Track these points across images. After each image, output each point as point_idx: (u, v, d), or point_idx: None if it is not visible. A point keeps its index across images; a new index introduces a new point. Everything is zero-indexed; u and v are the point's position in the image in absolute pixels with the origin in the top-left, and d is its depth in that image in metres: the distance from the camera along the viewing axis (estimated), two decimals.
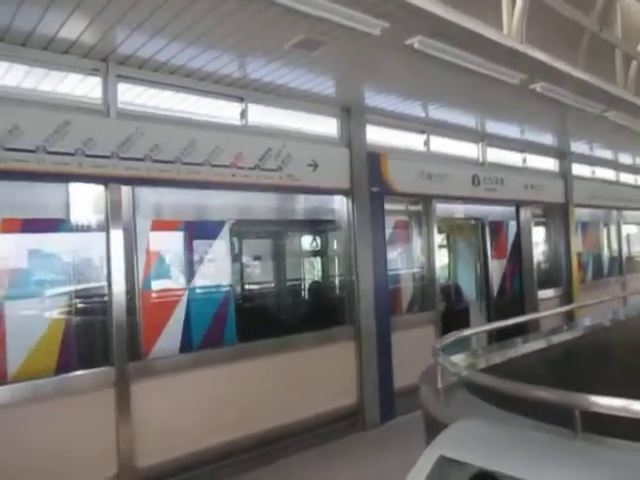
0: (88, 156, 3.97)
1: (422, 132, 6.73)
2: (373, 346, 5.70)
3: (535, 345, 4.23)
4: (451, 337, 3.26)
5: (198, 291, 4.86)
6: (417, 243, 6.75)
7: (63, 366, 3.97)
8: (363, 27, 3.59)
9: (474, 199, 7.29)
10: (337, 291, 6.58)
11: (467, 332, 4.26)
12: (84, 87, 4.23)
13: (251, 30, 3.81)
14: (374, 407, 5.66)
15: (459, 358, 3.03)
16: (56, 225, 4.13)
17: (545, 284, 8.73)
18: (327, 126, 5.72)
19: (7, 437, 3.60)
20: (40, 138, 3.77)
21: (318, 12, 3.40)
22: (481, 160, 7.61)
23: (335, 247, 6.63)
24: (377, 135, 6.10)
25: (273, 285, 6.39)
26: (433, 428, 2.23)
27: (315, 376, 5.24)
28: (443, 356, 2.80)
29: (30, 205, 4.01)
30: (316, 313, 6.10)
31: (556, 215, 9.02)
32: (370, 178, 5.80)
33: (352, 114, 5.75)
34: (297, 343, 5.22)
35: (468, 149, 7.48)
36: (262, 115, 5.16)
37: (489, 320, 7.71)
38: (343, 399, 5.49)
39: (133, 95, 4.45)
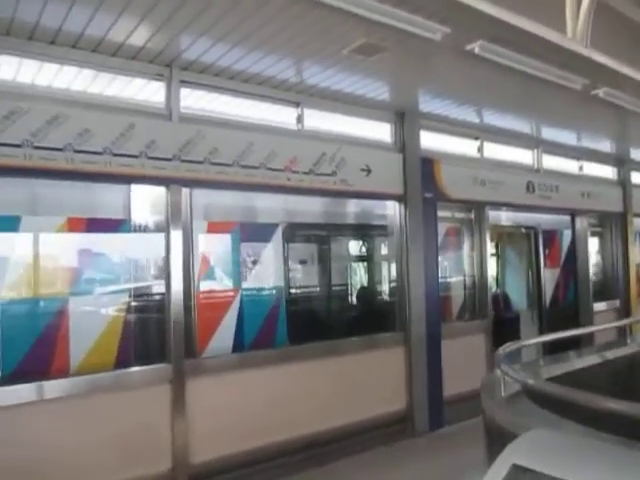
0: (151, 158, 4.10)
1: (476, 138, 6.64)
2: (423, 353, 5.64)
3: (594, 358, 4.10)
4: (513, 346, 3.20)
5: (251, 292, 4.93)
6: (468, 250, 6.66)
7: (122, 361, 4.10)
8: (424, 32, 3.58)
9: (528, 207, 7.14)
10: (386, 296, 6.56)
11: (529, 342, 4.17)
12: (147, 91, 4.38)
13: (311, 36, 3.86)
14: (423, 414, 5.60)
15: (516, 368, 2.97)
16: (118, 225, 4.27)
17: (601, 296, 8.46)
18: (381, 131, 5.72)
19: (68, 427, 3.75)
20: (107, 141, 3.92)
21: (380, 17, 3.42)
22: (536, 167, 7.45)
23: (385, 252, 6.62)
24: (431, 140, 6.06)
25: (322, 289, 6.43)
26: (497, 436, 2.20)
27: (364, 381, 5.23)
28: (507, 364, 2.74)
29: (94, 205, 4.17)
30: (365, 318, 6.10)
31: (613, 224, 8.74)
32: (423, 184, 5.77)
33: (406, 119, 5.74)
34: (346, 347, 5.23)
35: (523, 155, 7.34)
36: (317, 120, 5.22)
37: (541, 331, 7.52)
38: (392, 405, 5.46)
39: (194, 99, 4.57)
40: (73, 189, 4.05)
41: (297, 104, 5.05)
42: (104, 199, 4.26)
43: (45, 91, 3.90)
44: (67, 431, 3.74)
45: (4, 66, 3.70)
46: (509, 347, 3.09)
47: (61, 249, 4.07)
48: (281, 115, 5.04)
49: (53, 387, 3.75)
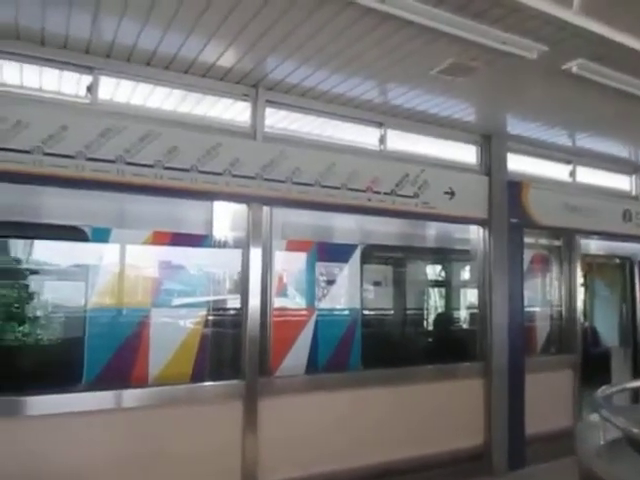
0: (234, 176, 4.17)
1: (568, 162, 6.30)
2: (504, 386, 5.33)
3: None
4: (613, 388, 2.91)
5: (327, 313, 4.87)
6: (556, 279, 6.28)
7: (197, 375, 4.15)
8: (520, 51, 3.42)
9: (624, 236, 6.65)
10: (466, 324, 6.32)
11: (633, 384, 3.81)
12: (233, 111, 4.48)
13: (398, 56, 3.80)
14: (502, 452, 5.27)
15: (615, 413, 2.69)
16: (200, 240, 4.37)
17: None
18: (466, 153, 5.55)
19: (142, 436, 3.82)
20: (194, 158, 4.03)
21: (474, 37, 3.30)
22: (634, 193, 6.95)
23: (465, 278, 6.39)
24: (518, 163, 5.80)
25: (397, 313, 6.28)
26: None
27: (439, 412, 5.01)
28: (607, 409, 2.49)
29: (178, 220, 4.28)
30: (442, 345, 5.89)
31: None
32: (509, 208, 5.51)
33: (493, 141, 5.53)
34: (421, 375, 5.05)
35: (619, 181, 6.87)
36: (400, 140, 5.13)
37: (635, 370, 6.94)
38: (468, 440, 5.18)
39: (278, 118, 4.63)
40: (159, 204, 4.18)
41: (380, 124, 4.99)
42: (187, 215, 4.38)
43: (138, 110, 4.08)
44: (140, 440, 3.81)
45: (103, 86, 3.90)
46: (609, 390, 2.81)
47: (146, 261, 4.21)
48: (364, 135, 5.00)
49: (132, 396, 3.84)
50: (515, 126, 5.37)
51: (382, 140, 5.00)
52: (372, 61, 3.88)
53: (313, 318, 4.76)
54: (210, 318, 4.39)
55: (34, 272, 4.50)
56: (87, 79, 3.84)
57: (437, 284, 6.67)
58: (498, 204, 5.46)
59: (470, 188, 5.36)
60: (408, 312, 6.17)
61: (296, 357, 4.59)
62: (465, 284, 6.14)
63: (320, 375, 4.62)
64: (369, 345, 5.00)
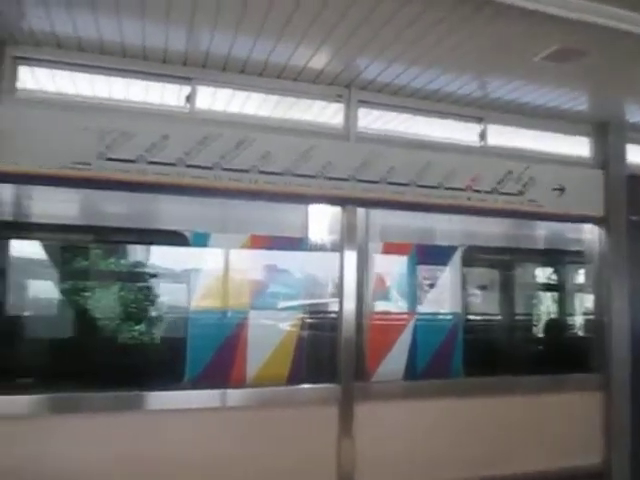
0: (328, 178, 4.14)
1: None
2: (626, 401, 4.83)
3: None
4: None
5: (426, 317, 4.70)
6: None
7: (293, 377, 4.16)
8: (635, 28, 3.08)
9: None
10: (580, 332, 5.84)
11: None
12: (326, 113, 4.46)
13: (496, 46, 3.58)
14: (624, 472, 4.78)
15: None
16: (296, 243, 4.39)
17: None
18: (577, 146, 5.12)
19: (238, 436, 3.88)
20: (288, 162, 4.05)
21: (586, 17, 3.00)
22: None
23: (579, 281, 5.92)
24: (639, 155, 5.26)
25: (503, 318, 5.96)
26: None
27: (548, 426, 4.64)
28: None
29: (273, 224, 4.34)
30: (553, 354, 5.46)
31: None
32: (629, 205, 4.99)
33: (609, 131, 5.05)
34: (529, 386, 4.71)
35: None
36: (502, 135, 4.85)
37: None
38: (583, 458, 4.74)
39: (372, 119, 4.55)
40: (256, 209, 4.26)
41: (480, 119, 4.74)
42: (283, 218, 4.42)
43: (234, 117, 4.18)
44: (234, 441, 3.87)
45: (200, 96, 4.05)
46: None
47: (244, 264, 4.30)
48: (462, 132, 4.77)
49: (230, 396, 3.93)
50: (635, 113, 4.86)
51: (482, 136, 4.75)
52: (469, 53, 3.69)
53: (411, 322, 4.62)
54: (307, 321, 4.39)
55: (147, 275, 4.82)
56: (186, 89, 4.00)
57: (548, 288, 6.24)
58: (616, 200, 4.97)
59: (582, 184, 4.93)
60: (516, 318, 5.81)
61: (393, 362, 4.46)
62: (579, 288, 5.67)
63: (419, 382, 4.46)
64: (472, 352, 4.75)
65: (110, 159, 3.68)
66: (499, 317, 5.76)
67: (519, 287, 6.12)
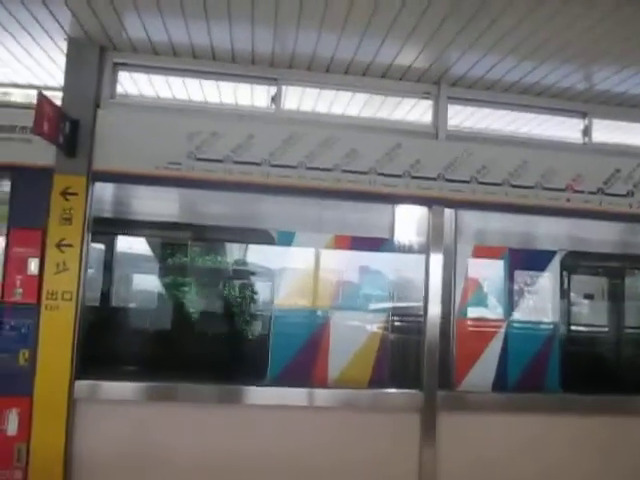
0: (414, 177, 4.01)
1: None
2: None
3: None
4: None
5: (519, 326, 4.41)
6: None
7: (375, 381, 4.07)
8: None
9: None
10: None
11: None
12: (414, 111, 4.33)
13: (599, 32, 3.29)
14: None
15: None
16: (380, 244, 4.29)
17: None
18: None
19: (318, 437, 3.86)
20: (372, 160, 3.97)
21: None
22: None
23: None
24: None
25: (608, 331, 5.46)
26: None
27: None
28: None
29: (359, 224, 4.27)
30: None
31: None
32: None
33: None
34: (635, 406, 4.27)
35: None
36: (609, 132, 4.45)
37: None
38: None
39: (463, 116, 4.36)
40: (340, 208, 4.22)
41: (584, 114, 4.38)
42: (369, 218, 4.34)
43: (318, 116, 4.18)
44: (314, 440, 3.86)
45: (287, 96, 4.08)
46: None
47: (327, 264, 4.26)
48: (562, 128, 4.45)
49: (315, 395, 3.92)
50: None
51: (586, 132, 4.38)
52: (572, 40, 3.41)
53: (502, 330, 4.35)
54: (390, 324, 4.28)
55: (234, 273, 4.96)
56: (272, 90, 4.04)
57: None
58: None
59: None
60: (618, 330, 5.31)
61: (482, 372, 4.22)
62: None
63: (510, 395, 4.18)
64: (571, 365, 4.39)
65: (199, 159, 3.81)
66: (601, 329, 5.29)
67: (629, 297, 5.58)
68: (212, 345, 4.86)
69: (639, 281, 5.77)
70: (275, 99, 4.03)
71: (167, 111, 3.97)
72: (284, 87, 4.05)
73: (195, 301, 5.22)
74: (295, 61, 3.89)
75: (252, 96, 4.26)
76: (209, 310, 5.38)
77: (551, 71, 3.87)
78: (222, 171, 3.81)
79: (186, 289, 5.26)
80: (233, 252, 5.72)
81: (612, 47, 3.46)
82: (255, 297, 5.09)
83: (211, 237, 4.88)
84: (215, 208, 4.49)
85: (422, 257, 4.15)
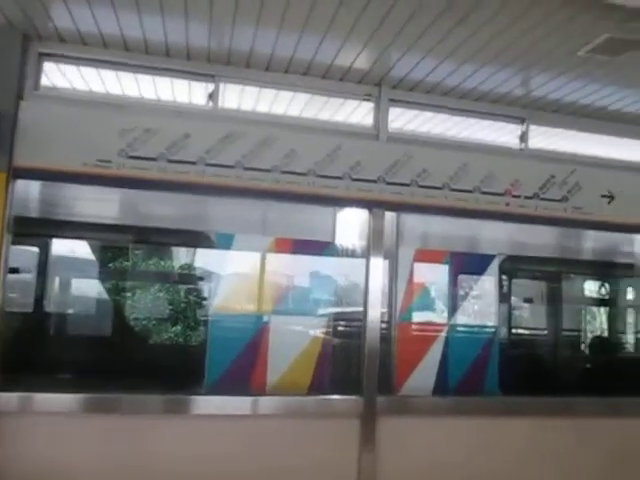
0: (355, 180, 3.96)
1: None
2: None
3: None
4: None
5: (459, 329, 4.44)
6: None
7: (316, 387, 3.98)
8: None
9: None
10: (636, 351, 5.42)
11: None
12: (357, 114, 4.29)
13: (536, 38, 3.31)
14: None
15: None
16: (322, 248, 4.23)
17: None
18: (628, 149, 4.73)
19: (255, 446, 3.71)
20: (312, 162, 3.89)
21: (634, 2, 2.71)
22: None
23: (633, 296, 5.50)
24: None
25: (544, 334, 5.59)
26: None
27: (596, 453, 4.25)
28: None
29: (300, 227, 4.19)
30: (603, 375, 5.06)
31: None
32: None
33: None
34: (575, 408, 4.34)
35: None
36: (545, 138, 4.54)
37: None
38: None
39: (405, 120, 4.35)
40: (280, 210, 4.13)
41: (522, 120, 4.44)
42: (311, 222, 4.27)
43: (257, 115, 4.08)
44: (250, 450, 3.71)
45: (225, 93, 3.96)
46: None
47: (268, 268, 4.15)
48: (502, 133, 4.50)
49: (252, 404, 3.79)
50: None
51: (523, 137, 4.44)
52: (509, 44, 3.42)
53: (442, 335, 4.36)
54: (331, 329, 4.22)
55: (166, 276, 4.78)
56: (209, 87, 3.91)
57: (597, 303, 5.82)
58: None
59: (636, 190, 4.54)
60: (554, 334, 5.43)
61: (422, 376, 4.21)
62: (630, 304, 5.24)
63: (450, 398, 4.19)
64: (510, 368, 4.43)
65: (131, 157, 3.63)
66: (538, 333, 5.40)
67: (566, 301, 5.74)
68: (146, 352, 4.67)
69: (576, 285, 5.94)
70: (212, 96, 3.89)
71: (97, 105, 3.76)
72: (222, 84, 3.92)
73: (130, 306, 5.01)
74: (233, 58, 3.77)
75: (190, 93, 4.11)
76: (144, 316, 5.18)
77: (490, 75, 3.89)
78: (156, 170, 3.64)
79: (121, 293, 5.05)
80: (173, 255, 5.55)
81: (550, 51, 3.50)
82: (193, 302, 4.94)
83: (146, 240, 4.70)
84: (152, 209, 4.33)
85: (361, 261, 4.09)
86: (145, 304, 5.07)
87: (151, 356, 4.74)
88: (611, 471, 4.25)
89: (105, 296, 4.96)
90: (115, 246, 4.66)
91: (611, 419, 4.35)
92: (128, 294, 5.00)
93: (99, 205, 4.11)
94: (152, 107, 3.91)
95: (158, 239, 4.60)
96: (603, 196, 4.44)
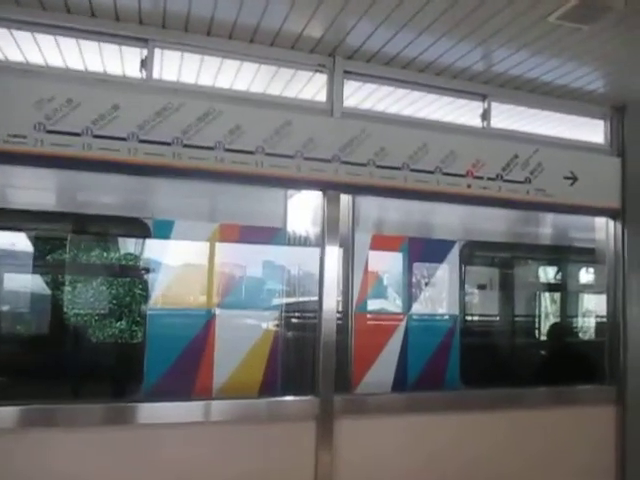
0: (307, 159, 3.60)
1: None
2: None
3: None
4: None
5: (419, 319, 4.20)
6: None
7: (266, 389, 3.66)
8: None
9: None
10: (589, 337, 5.34)
11: None
12: (310, 88, 3.93)
13: (491, 10, 3.06)
14: None
15: None
16: (272, 234, 3.87)
17: None
18: (591, 130, 4.57)
19: (201, 455, 3.35)
20: (260, 139, 3.51)
21: None
22: None
23: (589, 281, 5.41)
24: None
25: (502, 322, 5.46)
26: None
27: (553, 444, 4.12)
28: None
29: (246, 211, 3.83)
30: (558, 363, 4.94)
31: None
32: None
33: (627, 115, 4.49)
34: (533, 399, 4.19)
35: None
36: (508, 116, 4.33)
37: None
38: None
39: (362, 95, 4.02)
40: (226, 193, 3.75)
41: (483, 97, 4.19)
42: (259, 205, 3.90)
43: (198, 87, 3.66)
44: (197, 460, 3.35)
45: (163, 62, 3.52)
46: None
47: (213, 257, 3.77)
48: (463, 111, 4.24)
49: (198, 409, 3.40)
50: None
51: (485, 115, 4.19)
52: (463, 18, 3.17)
53: (402, 325, 4.10)
54: (281, 325, 3.88)
55: (97, 269, 4.30)
56: (143, 53, 3.45)
57: (554, 288, 5.73)
58: (635, 192, 4.41)
59: (597, 172, 4.38)
60: (512, 321, 5.30)
61: (381, 371, 3.96)
62: (590, 289, 5.14)
63: (411, 394, 3.95)
64: (470, 359, 4.24)
65: (50, 131, 3.14)
66: (497, 320, 5.25)
67: (522, 287, 5.61)
68: (78, 354, 4.20)
69: (532, 271, 5.83)
70: (146, 64, 3.43)
71: (7, 71, 3.24)
72: (157, 50, 3.46)
73: (57, 302, 4.49)
74: (169, 20, 3.32)
75: (122, 61, 3.63)
76: (76, 313, 4.67)
77: (450, 47, 3.59)
78: (79, 146, 3.16)
79: (45, 288, 4.52)
80: (109, 246, 5.05)
81: (505, 26, 3.26)
82: (130, 297, 4.47)
83: (70, 228, 4.17)
84: (79, 193, 3.85)
85: (316, 249, 3.76)
86: (72, 299, 4.55)
87: (83, 358, 4.26)
88: (564, 458, 4.14)
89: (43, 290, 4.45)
90: (37, 236, 4.12)
91: (566, 409, 4.23)
92: (53, 288, 4.47)
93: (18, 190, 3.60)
94: (75, 74, 3.42)
95: (83, 228, 4.09)
96: (565, 178, 4.27)
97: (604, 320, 4.58)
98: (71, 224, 4.06)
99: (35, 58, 3.52)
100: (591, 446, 4.25)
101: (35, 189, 3.53)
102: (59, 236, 4.45)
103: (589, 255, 4.79)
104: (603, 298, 4.57)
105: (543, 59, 3.73)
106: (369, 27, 3.37)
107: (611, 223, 4.47)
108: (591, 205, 4.38)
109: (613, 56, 3.69)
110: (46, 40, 3.41)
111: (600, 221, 4.56)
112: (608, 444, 4.29)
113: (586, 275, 5.70)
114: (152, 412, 3.30)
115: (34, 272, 4.10)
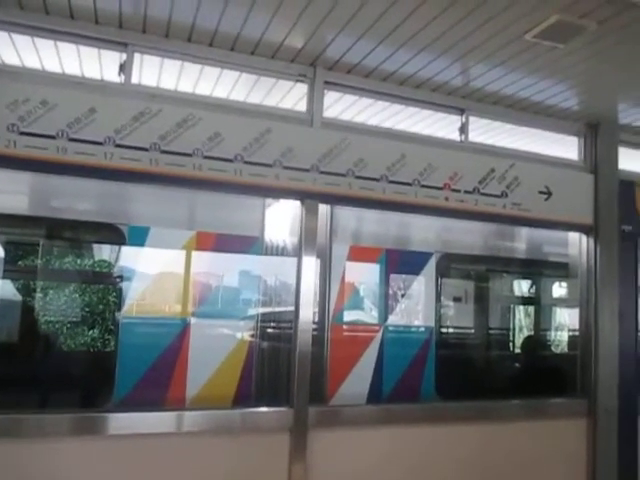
0: (286, 168, 3.59)
1: None
2: (613, 430, 4.34)
3: None
4: None
5: (395, 331, 4.19)
6: None
7: (240, 400, 3.59)
8: None
9: None
10: (562, 350, 5.40)
11: None
12: (291, 97, 3.94)
13: (479, 21, 3.09)
14: None
15: None
16: (249, 243, 3.84)
17: None
18: (565, 146, 4.66)
19: (173, 468, 3.28)
20: (239, 147, 3.49)
21: None
22: None
23: (562, 295, 5.48)
24: (634, 160, 4.81)
25: (477, 334, 5.49)
26: None
27: (526, 457, 4.14)
28: None
29: (224, 220, 3.79)
30: (531, 376, 4.99)
31: None
32: (621, 213, 4.53)
33: (600, 132, 4.59)
34: (505, 411, 4.20)
35: None
36: (485, 130, 4.38)
37: None
38: None
39: (342, 106, 4.04)
40: (204, 201, 3.71)
41: (461, 111, 4.24)
42: (236, 213, 3.87)
43: (177, 93, 3.64)
44: (172, 473, 3.28)
45: (143, 67, 3.49)
46: None
47: (188, 265, 3.71)
48: (442, 125, 4.28)
49: (170, 420, 3.33)
50: (629, 112, 4.41)
51: (463, 129, 4.24)
52: (442, 33, 3.22)
53: (378, 337, 4.09)
54: (258, 333, 3.83)
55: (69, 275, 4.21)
56: (122, 57, 3.41)
57: (528, 301, 5.80)
58: (606, 208, 4.50)
59: (571, 188, 4.46)
60: (488, 334, 5.34)
61: (356, 383, 3.92)
62: (563, 302, 5.21)
63: (386, 406, 3.93)
64: (445, 371, 4.24)
65: (23, 133, 3.08)
66: (472, 333, 5.28)
67: (497, 300, 5.67)
68: (40, 364, 4.09)
69: (507, 284, 5.89)
70: (125, 68, 3.39)
71: None
72: (137, 55, 3.43)
73: (28, 309, 4.38)
74: (149, 25, 3.30)
75: (101, 65, 3.59)
76: (47, 320, 4.56)
77: (429, 62, 3.64)
78: (54, 149, 3.11)
79: (16, 294, 4.41)
80: (83, 251, 4.95)
81: (483, 43, 3.32)
82: (102, 304, 4.38)
83: (43, 233, 4.09)
84: (53, 197, 3.77)
85: (293, 259, 3.74)
86: (43, 306, 4.44)
87: (53, 366, 4.16)
88: (536, 471, 4.16)
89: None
90: (7, 241, 4.02)
91: (539, 422, 4.24)
92: (24, 295, 4.36)
93: None
94: (51, 76, 3.37)
95: (55, 233, 4.01)
96: (540, 192, 4.33)
97: (576, 333, 4.64)
98: (44, 229, 3.97)
99: (10, 58, 3.46)
100: (563, 458, 4.28)
101: (6, 192, 3.42)
102: (31, 241, 4.35)
103: (562, 270, 4.85)
104: (576, 312, 4.64)
105: (520, 76, 3.80)
106: (349, 40, 3.40)
107: (584, 238, 4.54)
108: (565, 220, 4.45)
109: (587, 75, 3.78)
110: (23, 40, 3.35)
111: (573, 236, 4.62)
112: (579, 456, 4.32)
113: (559, 289, 5.77)
114: (123, 422, 3.22)
115: (4, 277, 3.99)
